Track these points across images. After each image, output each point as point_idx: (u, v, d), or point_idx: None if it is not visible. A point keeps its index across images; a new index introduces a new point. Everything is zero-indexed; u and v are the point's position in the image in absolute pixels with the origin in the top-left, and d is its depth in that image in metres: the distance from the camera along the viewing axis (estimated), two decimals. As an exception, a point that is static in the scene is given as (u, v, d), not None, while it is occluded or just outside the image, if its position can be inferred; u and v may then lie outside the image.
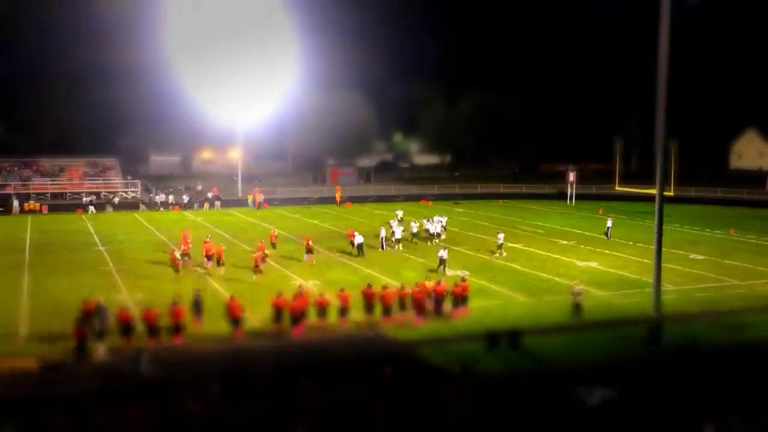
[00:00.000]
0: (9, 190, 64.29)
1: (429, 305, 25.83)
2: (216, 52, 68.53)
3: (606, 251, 40.79)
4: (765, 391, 17.44)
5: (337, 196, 69.05)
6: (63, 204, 62.58)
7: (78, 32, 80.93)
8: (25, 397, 17.72)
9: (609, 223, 47.22)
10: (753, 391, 18.66)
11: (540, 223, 53.56)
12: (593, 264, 36.85)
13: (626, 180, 59.02)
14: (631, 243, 43.76)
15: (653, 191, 24.89)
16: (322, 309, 24.66)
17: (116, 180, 70.40)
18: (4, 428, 15.62)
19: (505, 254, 38.96)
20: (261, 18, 68.08)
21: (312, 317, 24.47)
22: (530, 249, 41.47)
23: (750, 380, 19.90)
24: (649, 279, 26.77)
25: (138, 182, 70.96)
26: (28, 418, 16.21)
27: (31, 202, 61.55)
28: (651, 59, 23.37)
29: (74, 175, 69.38)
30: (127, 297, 28.98)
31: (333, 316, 24.71)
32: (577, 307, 26.34)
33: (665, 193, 24.95)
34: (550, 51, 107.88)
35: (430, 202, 70.90)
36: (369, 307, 25.21)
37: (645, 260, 36.40)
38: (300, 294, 24.82)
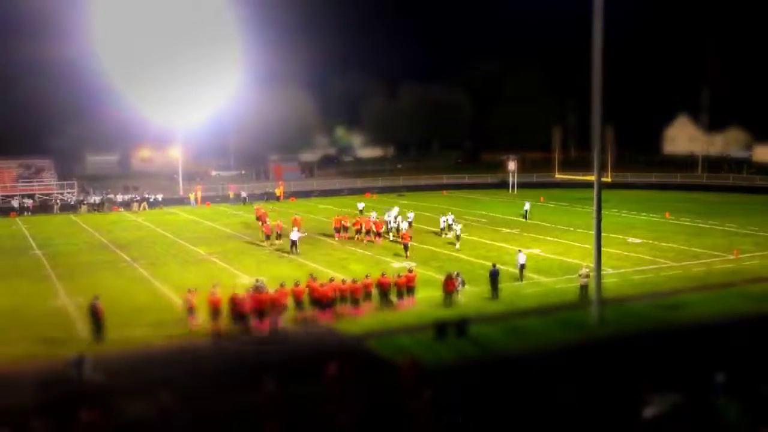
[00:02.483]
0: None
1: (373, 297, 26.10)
2: (153, 48, 67.01)
3: (549, 238, 41.61)
4: (704, 365, 18.11)
5: (280, 191, 68.49)
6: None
7: (5, 27, 77.92)
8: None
9: (526, 206, 50.50)
10: (692, 365, 19.36)
11: (483, 212, 54.26)
12: (536, 251, 37.54)
13: (565, 168, 60.20)
14: (571, 229, 44.74)
15: (591, 178, 25.51)
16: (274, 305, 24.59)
17: (51, 182, 68.23)
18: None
19: (450, 236, 40.72)
20: (199, 14, 66.93)
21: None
22: (474, 238, 41.98)
23: (688, 355, 20.67)
24: (590, 263, 27.45)
25: (74, 183, 68.94)
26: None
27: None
28: (586, 48, 23.89)
29: (6, 178, 66.94)
30: (67, 300, 28.24)
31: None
32: (584, 289, 26.82)
33: (603, 179, 25.60)
34: (489, 42, 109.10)
35: (375, 195, 71.03)
36: (314, 301, 25.26)
37: (586, 245, 37.30)
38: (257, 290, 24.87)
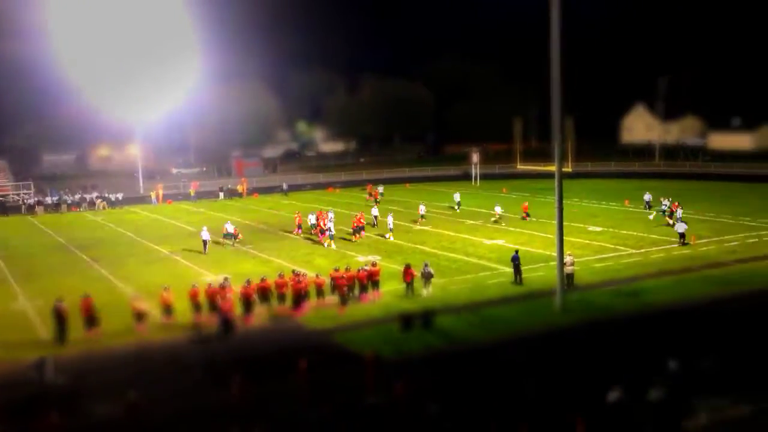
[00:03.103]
0: None
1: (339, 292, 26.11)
2: (111, 46, 65.96)
3: (512, 229, 42.03)
4: (666, 350, 18.53)
5: (243, 187, 67.94)
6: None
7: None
8: None
9: (457, 197, 52.19)
10: (656, 350, 19.80)
11: (446, 204, 54.55)
12: (500, 242, 37.89)
13: (527, 158, 60.75)
14: (534, 219, 45.24)
15: (552, 168, 25.82)
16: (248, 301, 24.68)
17: (6, 182, 66.66)
18: None
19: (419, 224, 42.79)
20: (157, 10, 65.93)
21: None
22: (439, 230, 42.21)
23: (651, 341, 21.12)
24: (553, 253, 27.83)
25: (30, 183, 67.44)
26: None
27: None
28: (546, 40, 24.13)
29: (-41, 179, 65.29)
30: (26, 303, 27.68)
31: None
32: (569, 278, 27.03)
33: (564, 169, 25.93)
34: (450, 35, 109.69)
35: (338, 190, 70.88)
36: (281, 296, 25.31)
37: (548, 235, 37.79)
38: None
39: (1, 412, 17.04)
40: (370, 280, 26.67)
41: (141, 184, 70.32)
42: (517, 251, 29.34)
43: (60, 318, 22.56)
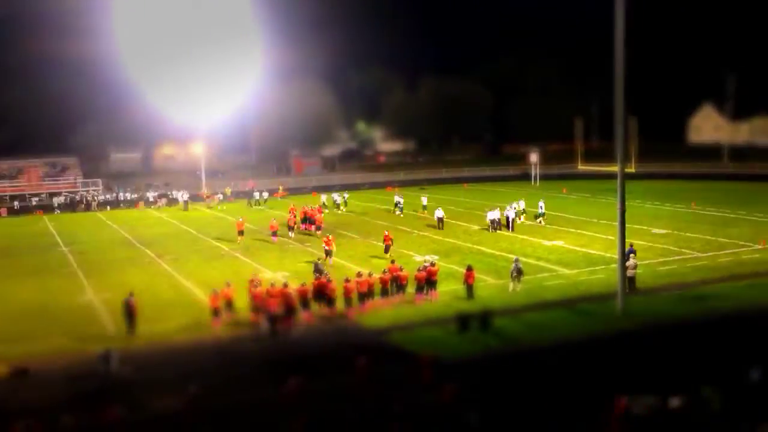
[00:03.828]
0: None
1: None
2: (174, 45, 67.45)
3: (572, 230, 41.32)
4: (733, 359, 17.91)
5: (280, 191, 67.73)
6: (23, 206, 61.26)
7: (30, 27, 78.95)
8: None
9: (424, 201, 52.30)
10: (721, 359, 19.15)
11: (505, 205, 53.91)
12: (559, 243, 37.30)
13: (588, 159, 59.69)
14: (595, 220, 44.38)
15: (614, 168, 25.24)
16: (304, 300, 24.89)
17: (77, 180, 69.07)
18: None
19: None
20: (219, 10, 67.23)
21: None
22: (496, 231, 41.77)
23: (717, 349, 20.43)
24: (614, 255, 27.22)
25: (99, 181, 69.69)
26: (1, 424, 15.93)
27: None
28: (609, 40, 23.62)
29: (33, 177, 67.90)
30: (93, 296, 28.61)
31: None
32: (631, 281, 26.64)
33: (626, 170, 25.33)
34: (509, 33, 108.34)
35: (396, 189, 70.97)
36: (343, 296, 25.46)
37: (609, 237, 37.01)
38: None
39: (69, 402, 17.61)
40: (428, 279, 26.62)
41: (203, 183, 71.79)
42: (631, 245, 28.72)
43: (129, 312, 23.30)
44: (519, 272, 27.52)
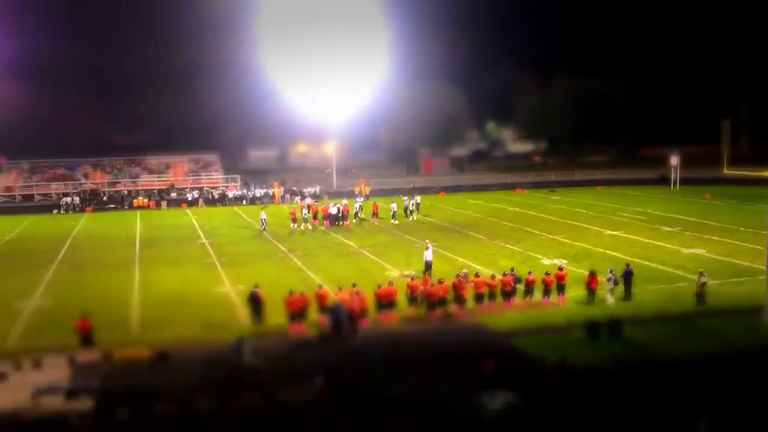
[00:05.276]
0: (120, 187, 67.90)
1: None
2: (307, 46, 69.61)
3: (714, 237, 38.91)
4: None
5: (363, 189, 67.22)
6: (169, 199, 65.34)
7: (176, 34, 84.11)
8: (137, 385, 18.63)
9: (412, 203, 49.96)
10: None
11: (641, 210, 51.66)
12: (700, 251, 35.22)
13: (735, 163, 55.95)
14: (741, 228, 41.54)
15: (766, 173, 23.45)
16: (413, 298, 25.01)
17: (218, 175, 72.88)
18: (118, 414, 16.47)
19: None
20: (351, 10, 68.63)
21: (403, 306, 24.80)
22: (631, 236, 40.08)
23: None
24: (762, 266, 25.32)
25: (238, 177, 73.14)
26: (141, 405, 16.99)
27: (140, 198, 64.72)
28: (764, 33, 21.95)
29: (179, 172, 72.40)
30: (229, 288, 30.01)
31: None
32: (700, 297, 25.34)
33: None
34: (648, 29, 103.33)
35: (526, 191, 69.70)
36: (459, 297, 25.33)
37: (757, 246, 34.48)
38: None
39: (204, 387, 18.53)
40: (554, 284, 25.99)
41: (335, 180, 73.60)
42: (627, 265, 27.09)
43: (255, 303, 24.21)
44: (616, 282, 26.04)
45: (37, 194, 66.20)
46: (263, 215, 46.99)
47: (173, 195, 66.01)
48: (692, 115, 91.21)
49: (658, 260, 32.99)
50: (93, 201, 63.49)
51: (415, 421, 15.57)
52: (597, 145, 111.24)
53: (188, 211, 60.64)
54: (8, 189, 66.22)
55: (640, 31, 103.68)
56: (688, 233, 40.69)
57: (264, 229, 45.57)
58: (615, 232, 41.37)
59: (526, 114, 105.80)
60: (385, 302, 24.57)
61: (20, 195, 65.84)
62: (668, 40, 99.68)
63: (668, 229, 42.50)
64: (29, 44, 77.54)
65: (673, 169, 68.29)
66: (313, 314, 24.06)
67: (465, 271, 27.31)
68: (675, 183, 67.85)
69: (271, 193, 65.94)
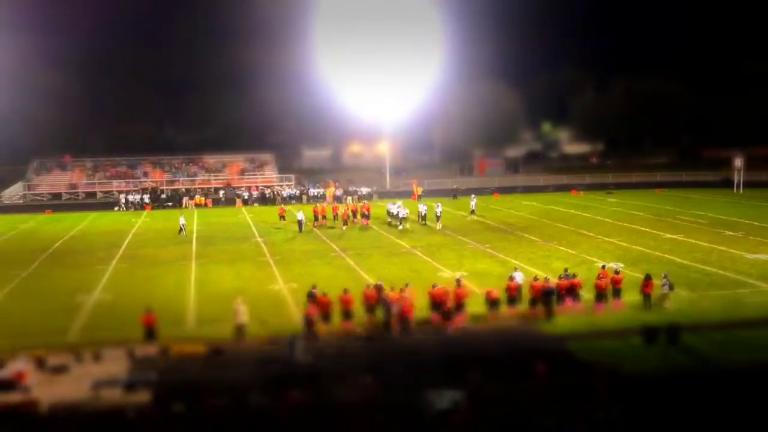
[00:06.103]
0: (177, 186, 69.46)
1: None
2: (362, 46, 69.81)
3: (778, 243, 37.59)
4: None
5: (415, 189, 66.71)
6: (225, 197, 66.47)
7: (234, 34, 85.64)
8: (193, 380, 18.99)
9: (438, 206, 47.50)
10: None
11: (702, 213, 50.23)
12: (764, 256, 34.04)
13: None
14: (807, 234, 40.03)
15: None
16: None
17: (272, 174, 73.85)
18: (174, 407, 16.81)
19: None
20: (406, 9, 68.62)
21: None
22: (691, 240, 39.01)
23: None
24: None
25: (292, 176, 73.95)
26: (195, 399, 17.32)
27: (197, 196, 66.03)
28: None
29: (234, 171, 73.64)
30: (282, 286, 30.34)
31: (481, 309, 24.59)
32: (661, 300, 24.93)
33: None
34: (709, 25, 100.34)
35: (581, 192, 68.56)
36: (511, 299, 25.12)
37: (825, 253, 33.19)
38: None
39: (257, 384, 18.77)
40: (613, 287, 25.55)
41: (388, 180, 73.74)
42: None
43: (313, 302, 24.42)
44: (671, 287, 25.35)
45: (100, 191, 68.30)
46: (300, 215, 46.94)
47: (228, 193, 67.16)
48: (756, 115, 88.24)
49: (719, 266, 32.02)
50: (152, 198, 65.07)
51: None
52: (656, 147, 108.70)
53: (244, 209, 61.57)
54: (72, 186, 68.51)
55: (698, 30, 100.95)
56: (751, 238, 39.39)
57: (301, 230, 45.65)
58: (674, 236, 40.33)
59: (583, 114, 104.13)
60: (439, 302, 24.48)
61: (83, 192, 68.04)
62: (729, 38, 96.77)
63: (731, 233, 41.22)
64: (95, 44, 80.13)
65: (736, 171, 66.21)
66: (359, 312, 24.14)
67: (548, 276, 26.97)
68: (738, 186, 65.78)
69: (323, 193, 66.44)
